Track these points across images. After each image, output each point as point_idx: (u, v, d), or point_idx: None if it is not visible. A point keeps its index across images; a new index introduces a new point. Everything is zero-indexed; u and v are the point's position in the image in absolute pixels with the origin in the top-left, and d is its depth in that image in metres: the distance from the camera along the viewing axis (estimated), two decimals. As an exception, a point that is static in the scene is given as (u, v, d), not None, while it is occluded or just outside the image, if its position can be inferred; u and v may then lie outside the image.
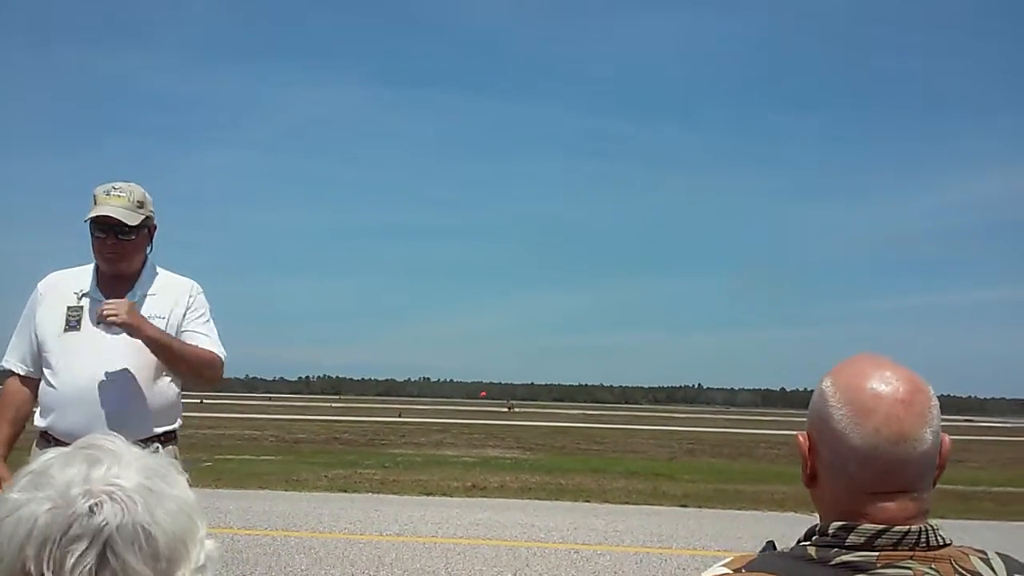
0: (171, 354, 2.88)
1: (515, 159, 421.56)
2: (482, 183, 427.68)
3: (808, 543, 1.18)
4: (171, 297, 2.99)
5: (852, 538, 1.14)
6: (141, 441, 1.05)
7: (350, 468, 14.59)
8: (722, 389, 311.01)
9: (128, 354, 2.85)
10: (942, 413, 1.19)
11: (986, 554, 1.17)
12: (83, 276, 2.98)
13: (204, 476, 11.88)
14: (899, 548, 1.12)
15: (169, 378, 2.98)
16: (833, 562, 1.13)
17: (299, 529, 8.05)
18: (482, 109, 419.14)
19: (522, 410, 79.99)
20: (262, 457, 17.06)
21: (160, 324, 2.90)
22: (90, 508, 0.86)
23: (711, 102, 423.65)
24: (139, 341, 2.81)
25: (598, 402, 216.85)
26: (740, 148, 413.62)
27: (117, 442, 0.96)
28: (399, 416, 49.24)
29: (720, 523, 9.34)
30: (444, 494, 11.30)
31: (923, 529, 1.13)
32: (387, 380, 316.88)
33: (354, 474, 13.55)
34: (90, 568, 0.84)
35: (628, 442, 29.32)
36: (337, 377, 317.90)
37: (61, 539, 0.85)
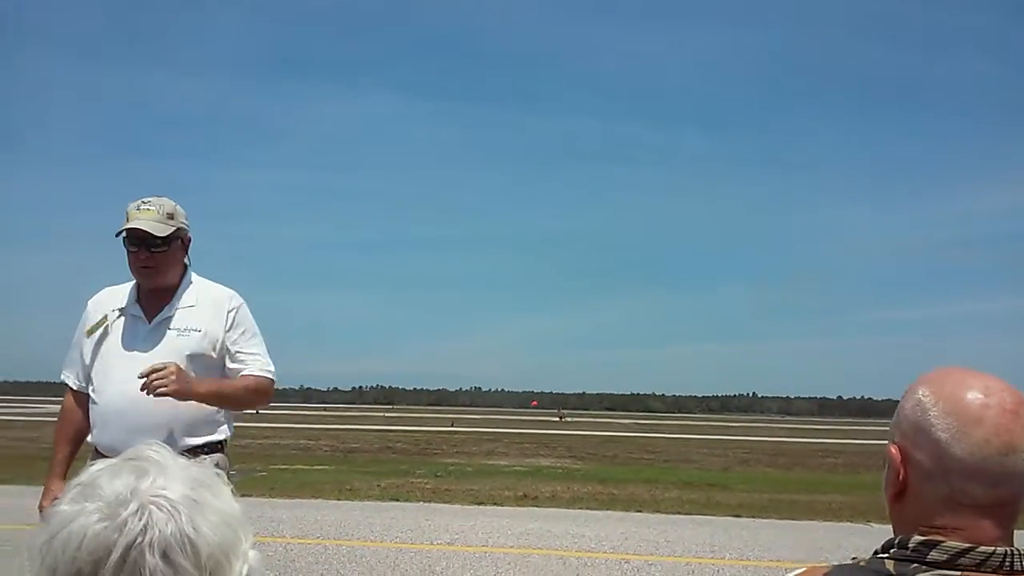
0: (224, 401, 2.95)
1: (538, 170, 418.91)
2: (513, 194, 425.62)
3: (886, 556, 1.14)
4: (209, 310, 3.01)
5: (934, 555, 1.09)
6: (187, 451, 1.07)
7: (402, 477, 14.70)
8: (777, 398, 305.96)
9: None
10: None
11: None
12: (128, 292, 3.04)
13: (258, 485, 12.08)
14: (982, 569, 1.07)
15: None
16: None
17: (351, 538, 8.13)
18: (506, 120, 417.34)
19: (573, 419, 79.76)
20: (316, 467, 17.28)
21: (197, 337, 2.94)
22: (139, 518, 0.88)
23: (730, 109, 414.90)
24: (175, 354, 2.86)
25: (650, 411, 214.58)
26: (761, 154, 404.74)
27: (163, 453, 0.98)
28: (451, 426, 49.45)
29: (774, 533, 9.18)
30: (495, 503, 11.31)
31: (1009, 552, 1.09)
32: (439, 390, 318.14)
33: (406, 483, 13.65)
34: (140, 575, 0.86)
35: (681, 451, 29.03)
36: (390, 387, 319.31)
37: (111, 549, 0.86)
